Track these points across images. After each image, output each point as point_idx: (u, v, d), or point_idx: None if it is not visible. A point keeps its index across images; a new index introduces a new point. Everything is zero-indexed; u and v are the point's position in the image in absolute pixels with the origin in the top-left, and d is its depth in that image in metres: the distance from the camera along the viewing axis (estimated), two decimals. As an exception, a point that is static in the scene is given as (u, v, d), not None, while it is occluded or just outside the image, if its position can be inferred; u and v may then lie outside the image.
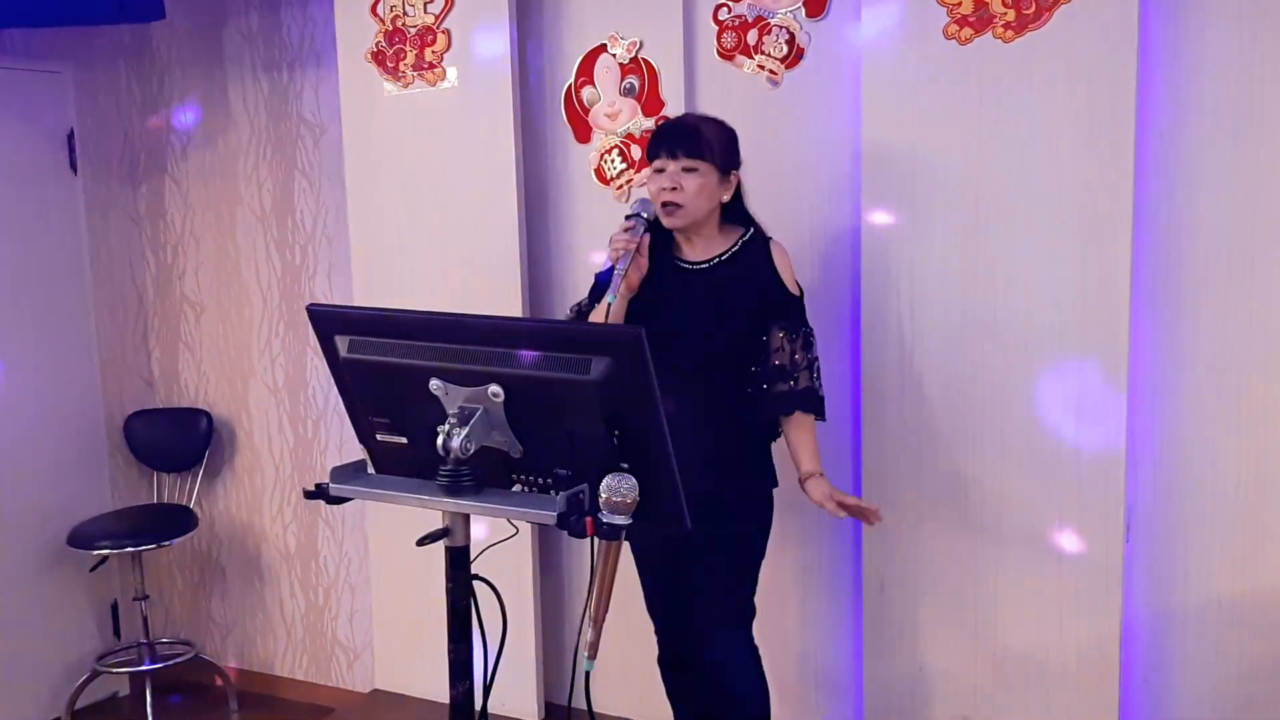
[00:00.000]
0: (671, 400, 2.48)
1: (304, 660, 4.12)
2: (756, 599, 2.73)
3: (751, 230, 2.68)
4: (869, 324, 2.99)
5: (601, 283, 2.73)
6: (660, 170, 2.59)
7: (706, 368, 2.60)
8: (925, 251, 2.91)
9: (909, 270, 2.93)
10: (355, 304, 3.61)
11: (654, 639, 2.88)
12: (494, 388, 1.77)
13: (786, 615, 3.25)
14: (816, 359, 2.67)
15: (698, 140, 2.57)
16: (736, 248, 2.65)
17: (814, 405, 2.65)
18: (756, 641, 2.73)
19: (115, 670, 3.97)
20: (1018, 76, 2.76)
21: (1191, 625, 2.83)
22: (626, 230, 2.55)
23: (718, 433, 2.61)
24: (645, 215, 2.57)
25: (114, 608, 4.10)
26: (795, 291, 2.66)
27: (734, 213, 2.69)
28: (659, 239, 2.65)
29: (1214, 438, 2.75)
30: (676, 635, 2.80)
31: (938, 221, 2.89)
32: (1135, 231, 2.70)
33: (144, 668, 3.90)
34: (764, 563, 2.73)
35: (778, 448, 2.73)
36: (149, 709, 3.76)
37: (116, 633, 4.11)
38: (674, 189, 2.55)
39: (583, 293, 3.45)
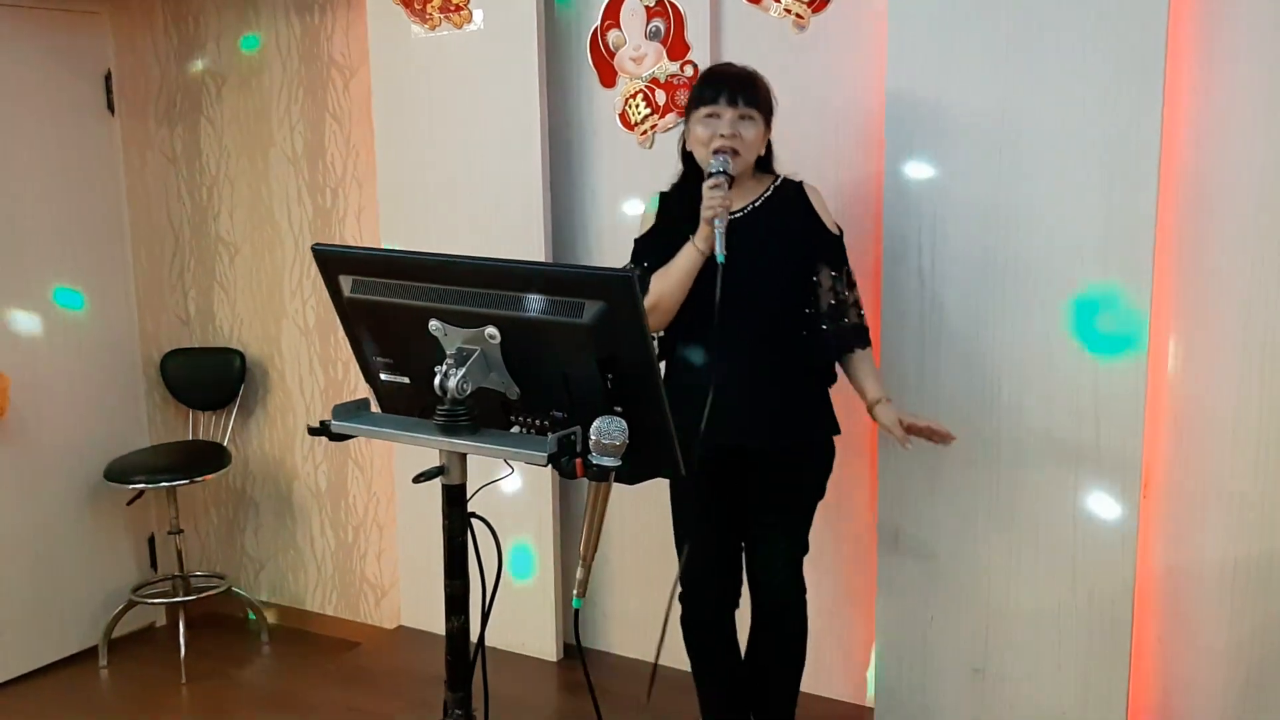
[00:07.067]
0: (739, 350, 2.50)
1: (333, 596, 4.20)
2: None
3: (781, 176, 2.65)
4: (890, 269, 2.96)
5: (642, 247, 2.68)
6: (714, 115, 2.51)
7: (762, 315, 2.56)
8: (948, 195, 2.87)
9: (932, 214, 2.89)
10: (378, 246, 3.63)
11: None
12: (490, 329, 1.78)
13: (806, 563, 3.24)
14: (859, 295, 2.69)
15: (756, 89, 2.53)
16: (769, 192, 2.61)
17: (865, 339, 2.68)
18: None
19: (151, 601, 4.09)
20: (1045, 19, 2.69)
21: (1206, 584, 2.80)
22: (714, 188, 2.44)
23: (781, 380, 2.59)
24: (730, 172, 2.47)
25: (150, 541, 4.21)
26: (835, 231, 2.64)
27: (761, 161, 2.65)
28: (686, 195, 2.58)
29: (1235, 395, 2.70)
30: (727, 585, 2.78)
31: (961, 165, 2.84)
32: (1161, 178, 2.64)
33: (178, 599, 4.01)
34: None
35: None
36: (182, 639, 3.86)
37: (154, 565, 4.22)
38: (734, 136, 2.49)
39: (606, 237, 3.47)
